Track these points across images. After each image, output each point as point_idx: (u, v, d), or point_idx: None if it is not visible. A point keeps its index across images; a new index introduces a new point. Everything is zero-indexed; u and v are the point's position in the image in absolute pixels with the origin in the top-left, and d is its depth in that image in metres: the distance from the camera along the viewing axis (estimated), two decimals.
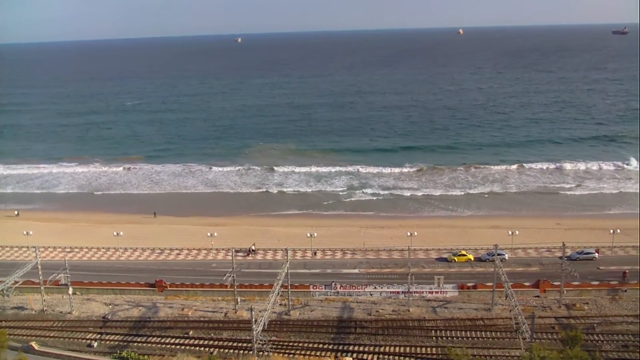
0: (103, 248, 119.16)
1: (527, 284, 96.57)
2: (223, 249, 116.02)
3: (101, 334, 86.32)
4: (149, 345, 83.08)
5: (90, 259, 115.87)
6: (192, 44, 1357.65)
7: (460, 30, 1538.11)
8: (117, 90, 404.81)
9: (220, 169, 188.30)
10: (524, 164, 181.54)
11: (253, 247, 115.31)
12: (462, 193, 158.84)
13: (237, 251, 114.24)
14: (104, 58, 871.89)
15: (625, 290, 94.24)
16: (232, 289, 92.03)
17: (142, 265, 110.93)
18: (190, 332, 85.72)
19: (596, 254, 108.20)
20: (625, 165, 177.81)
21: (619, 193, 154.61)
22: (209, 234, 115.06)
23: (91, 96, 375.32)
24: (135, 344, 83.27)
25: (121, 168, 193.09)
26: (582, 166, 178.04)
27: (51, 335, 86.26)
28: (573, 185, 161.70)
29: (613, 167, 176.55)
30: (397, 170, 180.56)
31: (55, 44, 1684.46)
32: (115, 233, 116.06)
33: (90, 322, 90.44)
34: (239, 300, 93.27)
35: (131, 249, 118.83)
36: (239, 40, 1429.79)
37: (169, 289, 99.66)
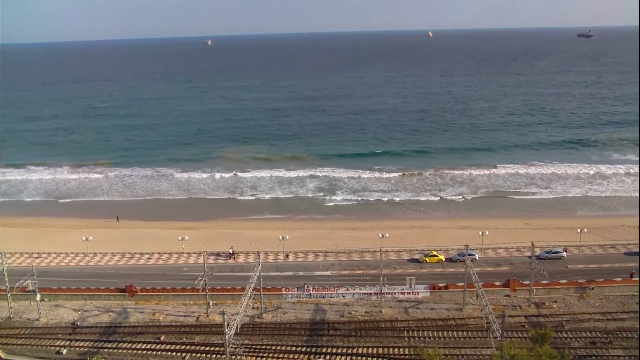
0: (72, 253, 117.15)
1: (497, 283, 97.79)
2: (194, 253, 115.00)
3: (70, 340, 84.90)
4: (120, 351, 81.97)
5: (58, 264, 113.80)
6: (161, 46, 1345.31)
7: (430, 33, 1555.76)
8: (85, 93, 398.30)
9: (190, 173, 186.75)
10: (493, 167, 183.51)
11: (231, 250, 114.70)
12: (432, 195, 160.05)
13: (216, 254, 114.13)
14: (70, 61, 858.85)
15: (593, 288, 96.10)
16: (204, 293, 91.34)
17: (112, 270, 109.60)
18: (162, 337, 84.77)
19: (564, 253, 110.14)
20: (592, 168, 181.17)
21: (584, 197, 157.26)
22: (180, 237, 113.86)
23: (57, 99, 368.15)
24: (106, 350, 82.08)
25: (89, 173, 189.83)
26: (549, 169, 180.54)
27: (18, 343, 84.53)
28: (541, 189, 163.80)
29: (579, 170, 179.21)
30: (367, 173, 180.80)
31: (24, 46, 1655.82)
32: (84, 238, 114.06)
33: (59, 328, 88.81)
34: (211, 304, 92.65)
35: (100, 253, 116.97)
36: (209, 42, 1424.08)
37: (139, 293, 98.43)
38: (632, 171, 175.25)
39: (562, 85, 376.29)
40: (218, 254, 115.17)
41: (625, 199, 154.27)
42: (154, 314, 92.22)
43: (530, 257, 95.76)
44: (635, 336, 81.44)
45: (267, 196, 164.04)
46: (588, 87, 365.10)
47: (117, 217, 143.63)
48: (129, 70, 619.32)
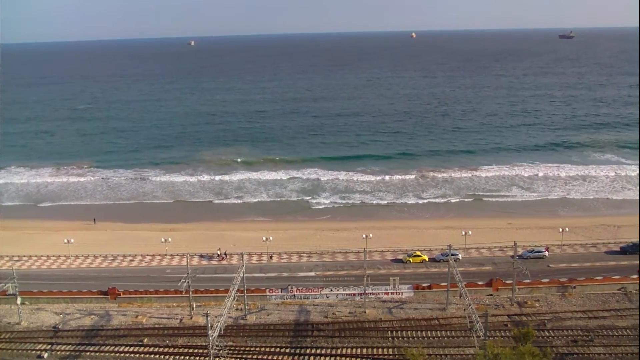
0: (53, 256, 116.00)
1: (480, 283, 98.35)
2: (178, 255, 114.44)
3: (52, 344, 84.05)
4: (102, 354, 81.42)
5: (39, 267, 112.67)
6: (144, 47, 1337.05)
7: (413, 34, 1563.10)
8: (66, 95, 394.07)
9: (172, 175, 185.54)
10: (475, 169, 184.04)
11: (218, 252, 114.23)
12: (415, 197, 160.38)
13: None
14: (50, 61, 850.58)
15: (574, 287, 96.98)
16: (188, 295, 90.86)
17: (94, 272, 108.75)
18: (145, 340, 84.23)
19: (546, 253, 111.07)
20: (573, 169, 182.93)
21: (565, 197, 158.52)
22: (162, 239, 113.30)
23: (38, 101, 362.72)
24: (88, 353, 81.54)
25: (71, 175, 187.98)
26: (531, 171, 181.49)
27: None
28: (523, 190, 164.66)
29: (560, 171, 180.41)
30: (351, 175, 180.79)
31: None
32: (65, 240, 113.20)
33: (40, 332, 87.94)
34: (194, 305, 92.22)
35: (82, 256, 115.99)
36: (192, 43, 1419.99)
37: (122, 296, 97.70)
38: (612, 173, 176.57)
39: (544, 87, 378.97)
40: (210, 256, 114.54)
41: (605, 199, 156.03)
42: (136, 317, 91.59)
43: (512, 256, 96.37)
44: (616, 334, 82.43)
45: (251, 198, 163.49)
46: (569, 88, 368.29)
47: (94, 219, 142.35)
48: (112, 71, 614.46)
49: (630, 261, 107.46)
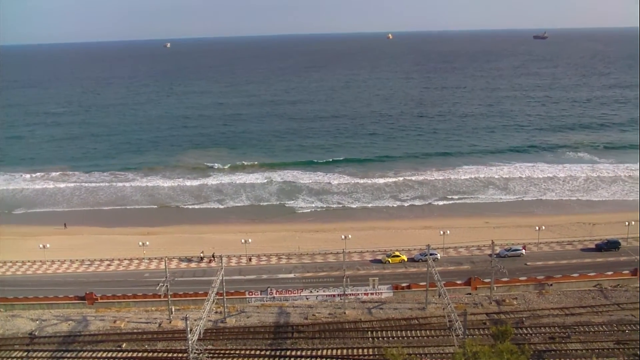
0: (28, 261, 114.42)
1: (459, 282, 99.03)
2: (156, 258, 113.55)
3: (28, 351, 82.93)
4: None
5: (14, 273, 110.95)
6: (120, 49, 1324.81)
7: (390, 35, 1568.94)
8: (40, 98, 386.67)
9: (149, 178, 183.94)
10: (452, 170, 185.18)
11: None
12: (393, 198, 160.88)
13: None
14: (24, 65, 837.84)
15: (551, 285, 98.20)
16: (166, 299, 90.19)
17: (71, 277, 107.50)
18: (124, 345, 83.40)
19: (523, 251, 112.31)
20: (548, 169, 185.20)
21: (541, 196, 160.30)
22: (140, 243, 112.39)
23: (10, 105, 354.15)
24: None
25: (45, 180, 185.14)
26: (507, 171, 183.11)
27: None
28: (499, 190, 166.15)
29: (536, 171, 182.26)
30: (329, 177, 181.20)
31: None
32: (41, 245, 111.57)
33: (16, 339, 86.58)
34: (173, 309, 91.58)
35: (59, 261, 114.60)
36: (168, 45, 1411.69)
37: (99, 301, 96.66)
38: (585, 173, 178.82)
39: (520, 88, 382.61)
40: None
41: (579, 197, 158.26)
42: (114, 322, 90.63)
43: (490, 255, 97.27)
44: (592, 330, 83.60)
45: (229, 201, 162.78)
46: (544, 89, 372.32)
47: (65, 224, 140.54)
48: (87, 74, 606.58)
49: (605, 258, 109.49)
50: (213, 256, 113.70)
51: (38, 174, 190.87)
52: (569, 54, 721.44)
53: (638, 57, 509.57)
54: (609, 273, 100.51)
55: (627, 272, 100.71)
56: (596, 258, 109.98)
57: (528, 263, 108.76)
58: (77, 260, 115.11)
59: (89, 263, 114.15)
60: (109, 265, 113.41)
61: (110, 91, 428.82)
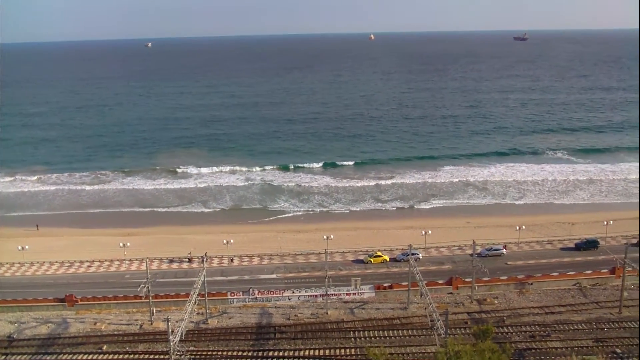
0: (7, 263, 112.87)
1: (440, 281, 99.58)
2: (137, 259, 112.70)
3: (7, 354, 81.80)
4: None
5: None
6: (101, 49, 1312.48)
7: (372, 36, 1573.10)
8: (17, 99, 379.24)
9: (129, 180, 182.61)
10: (433, 171, 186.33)
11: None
12: (374, 199, 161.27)
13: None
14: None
15: (531, 284, 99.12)
16: (148, 300, 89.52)
17: (50, 279, 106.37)
18: (104, 347, 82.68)
19: (504, 250, 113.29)
20: (528, 170, 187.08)
21: (521, 196, 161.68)
22: (121, 244, 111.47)
23: None
24: None
25: (24, 182, 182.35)
26: (487, 172, 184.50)
27: None
28: (479, 191, 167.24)
29: (516, 173, 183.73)
30: (310, 178, 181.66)
31: None
32: (19, 247, 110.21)
33: None
34: (154, 311, 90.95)
35: (38, 263, 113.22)
36: (149, 45, 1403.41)
37: (80, 303, 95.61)
38: (565, 175, 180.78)
39: (500, 89, 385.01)
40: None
41: (559, 198, 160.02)
42: (95, 324, 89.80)
43: (471, 255, 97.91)
44: (572, 328, 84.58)
45: (210, 202, 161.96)
46: (524, 91, 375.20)
47: (37, 226, 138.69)
48: (65, 74, 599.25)
49: (584, 257, 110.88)
50: (190, 257, 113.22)
51: (17, 176, 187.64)
52: (549, 56, 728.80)
53: (612, 59, 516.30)
54: (588, 272, 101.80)
55: (605, 270, 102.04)
56: (575, 257, 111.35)
57: (509, 262, 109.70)
58: (56, 261, 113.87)
59: (69, 265, 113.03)
60: (89, 266, 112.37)
61: (88, 91, 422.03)
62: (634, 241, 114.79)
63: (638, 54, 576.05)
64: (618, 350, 77.54)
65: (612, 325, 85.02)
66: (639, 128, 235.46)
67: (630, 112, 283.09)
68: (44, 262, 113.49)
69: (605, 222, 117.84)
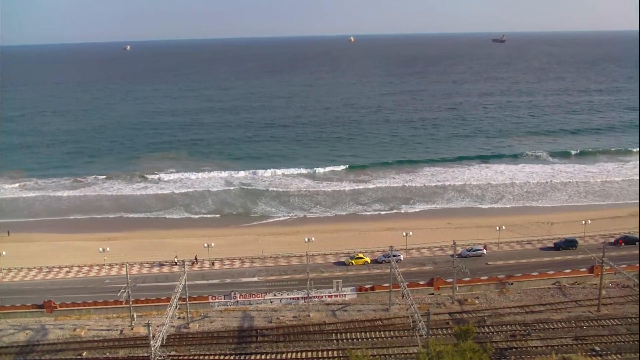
0: None
1: (422, 282, 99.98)
2: (117, 264, 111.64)
3: None
4: None
5: None
6: (79, 52, 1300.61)
7: (352, 38, 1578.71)
8: None
9: (108, 184, 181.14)
10: (412, 174, 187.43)
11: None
12: (354, 202, 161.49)
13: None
14: None
15: (512, 283, 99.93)
16: (128, 305, 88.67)
17: (28, 285, 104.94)
18: (84, 354, 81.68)
19: (484, 251, 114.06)
20: (506, 172, 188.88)
21: (498, 199, 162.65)
22: (100, 249, 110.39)
23: None
24: None
25: (3, 186, 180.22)
26: (466, 175, 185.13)
27: None
28: (458, 192, 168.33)
29: (495, 175, 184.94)
30: (290, 181, 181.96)
31: None
32: None
33: None
34: (135, 316, 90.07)
35: (15, 269, 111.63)
36: (128, 47, 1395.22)
37: (59, 309, 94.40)
38: (543, 177, 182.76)
39: (479, 92, 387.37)
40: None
41: (538, 198, 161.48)
42: (74, 330, 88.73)
43: (452, 255, 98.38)
44: (552, 327, 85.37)
45: (191, 205, 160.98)
46: (503, 93, 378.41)
47: (8, 231, 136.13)
48: (42, 77, 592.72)
49: (563, 256, 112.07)
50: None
51: None
52: (528, 57, 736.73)
53: (588, 61, 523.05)
54: (567, 271, 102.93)
55: (584, 269, 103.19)
56: (555, 256, 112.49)
57: (489, 262, 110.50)
58: (34, 267, 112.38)
59: (48, 270, 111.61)
60: (68, 272, 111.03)
61: (66, 96, 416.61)
62: (612, 240, 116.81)
63: (615, 56, 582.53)
64: (597, 348, 78.38)
65: (591, 323, 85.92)
66: (639, 128, 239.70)
67: (605, 114, 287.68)
68: (21, 268, 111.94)
69: (584, 222, 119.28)
